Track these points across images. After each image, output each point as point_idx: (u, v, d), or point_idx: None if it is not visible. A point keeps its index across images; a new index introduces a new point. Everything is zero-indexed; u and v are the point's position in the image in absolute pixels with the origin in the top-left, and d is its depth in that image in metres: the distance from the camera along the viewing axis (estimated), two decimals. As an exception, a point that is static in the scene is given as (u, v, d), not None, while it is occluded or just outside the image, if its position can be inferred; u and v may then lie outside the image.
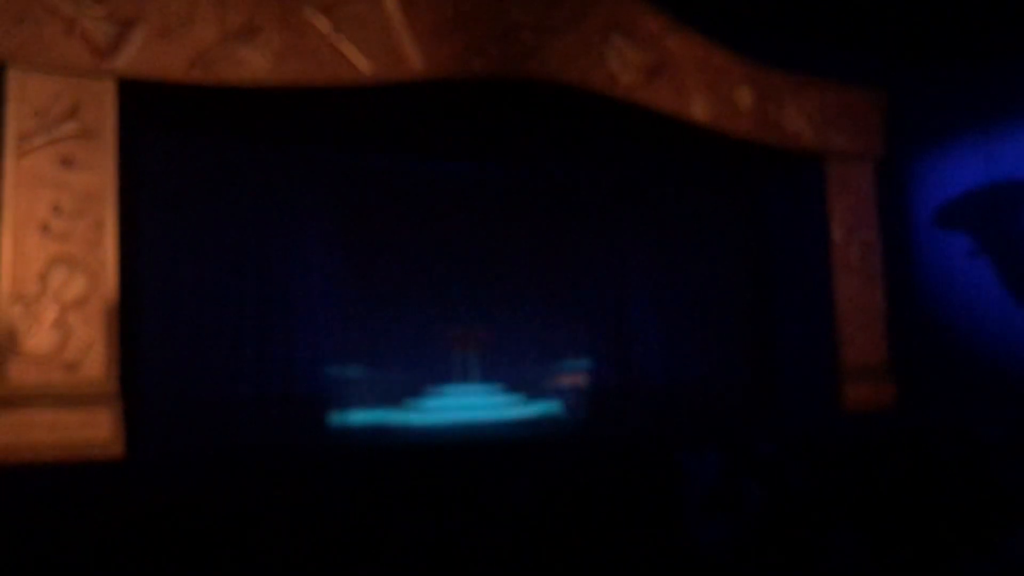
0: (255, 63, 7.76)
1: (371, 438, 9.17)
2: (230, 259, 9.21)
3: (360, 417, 9.93)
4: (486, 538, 3.68)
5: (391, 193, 10.60)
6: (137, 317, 7.68)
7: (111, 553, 3.70)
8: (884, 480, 4.66)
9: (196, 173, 8.75)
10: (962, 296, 10.60)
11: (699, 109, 9.80)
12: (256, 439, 8.52)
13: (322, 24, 7.98)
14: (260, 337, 9.41)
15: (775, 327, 11.15)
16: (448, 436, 9.05)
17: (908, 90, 11.14)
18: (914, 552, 3.31)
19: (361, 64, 8.11)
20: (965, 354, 10.44)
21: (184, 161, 8.59)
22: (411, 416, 10.19)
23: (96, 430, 7.07)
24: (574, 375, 10.93)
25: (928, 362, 10.66)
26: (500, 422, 10.15)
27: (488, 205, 11.15)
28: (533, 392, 11.04)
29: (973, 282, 10.49)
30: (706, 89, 9.86)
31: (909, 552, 3.30)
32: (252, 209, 9.42)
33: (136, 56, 7.37)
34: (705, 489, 3.81)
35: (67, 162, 7.16)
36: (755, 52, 10.26)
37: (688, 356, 11.27)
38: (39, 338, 6.97)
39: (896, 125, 11.12)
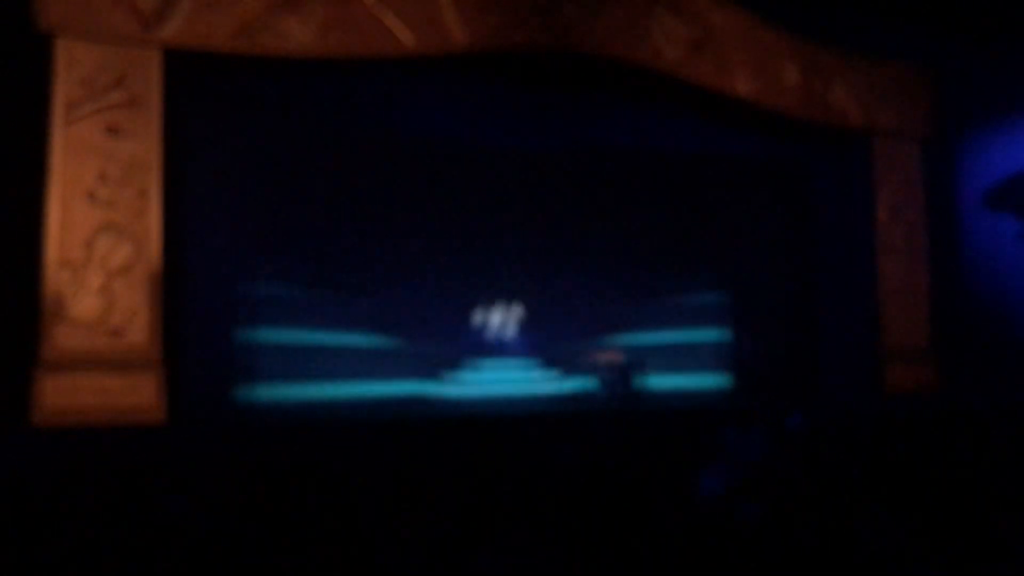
0: (299, 34, 7.76)
1: (403, 410, 9.25)
2: (272, 228, 9.28)
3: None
4: (522, 510, 3.70)
5: (431, 165, 10.58)
6: (180, 285, 7.75)
7: (150, 516, 3.76)
8: (924, 461, 4.61)
9: (240, 143, 8.80)
10: (1009, 279, 10.40)
11: (743, 85, 9.67)
12: None
13: (366, -4, 7.96)
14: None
15: (818, 307, 11.02)
16: (484, 408, 9.10)
17: (958, 67, 10.90)
18: (954, 533, 3.28)
19: (404, 37, 8.09)
20: (1011, 337, 10.26)
21: (228, 131, 8.63)
22: (447, 388, 10.26)
23: (139, 395, 7.18)
24: (610, 352, 10.90)
25: (973, 345, 10.50)
26: (535, 397, 10.19)
27: (532, 178, 11.09)
28: (568, 368, 11.02)
29: (1021, 264, 10.28)
30: (751, 65, 9.72)
31: (949, 533, 3.26)
32: (295, 179, 9.47)
33: (182, 26, 7.41)
34: (747, 466, 3.80)
35: (113, 131, 7.23)
36: (802, 28, 10.09)
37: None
38: (85, 304, 7.07)
39: (945, 103, 10.89)
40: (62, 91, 7.09)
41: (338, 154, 9.82)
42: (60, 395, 6.91)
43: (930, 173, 10.91)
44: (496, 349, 11.05)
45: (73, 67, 7.13)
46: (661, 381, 10.41)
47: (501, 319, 11.16)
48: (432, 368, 10.52)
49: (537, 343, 11.20)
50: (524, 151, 10.71)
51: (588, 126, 10.35)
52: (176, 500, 3.91)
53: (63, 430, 6.73)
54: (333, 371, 9.68)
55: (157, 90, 7.41)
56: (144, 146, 7.33)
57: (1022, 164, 10.43)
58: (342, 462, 5.47)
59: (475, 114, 9.91)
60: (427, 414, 9.04)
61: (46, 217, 7.01)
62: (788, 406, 7.85)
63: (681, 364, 10.99)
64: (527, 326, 11.23)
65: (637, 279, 11.46)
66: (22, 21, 6.97)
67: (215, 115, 8.47)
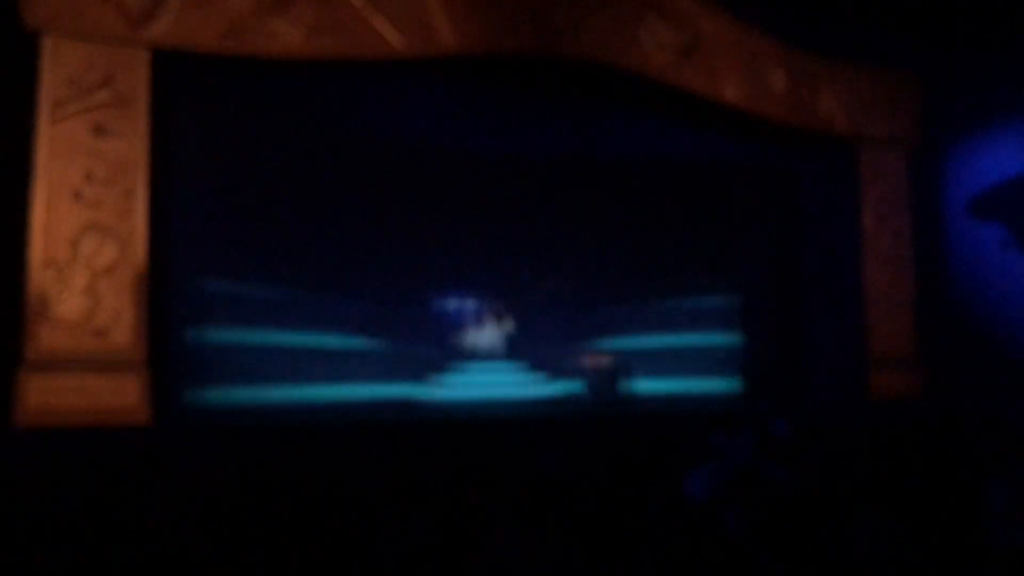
0: (288, 36, 7.75)
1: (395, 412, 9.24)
2: (259, 229, 9.25)
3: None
4: (509, 513, 3.69)
5: (420, 167, 10.57)
6: (166, 285, 7.72)
7: (134, 517, 3.74)
8: (908, 467, 4.64)
9: (228, 143, 8.77)
10: (995, 286, 10.44)
11: (731, 91, 9.70)
12: None
13: (356, -2, 7.96)
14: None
15: (804, 312, 11.06)
16: (470, 411, 9.09)
17: (945, 75, 10.94)
18: (938, 537, 3.29)
19: (393, 39, 8.08)
20: (997, 345, 10.30)
21: (216, 131, 8.61)
22: (434, 391, 10.25)
23: (123, 396, 7.14)
24: (597, 355, 10.91)
25: (958, 352, 10.54)
26: (522, 400, 10.20)
27: (519, 183, 11.09)
28: (555, 371, 11.03)
29: (1006, 272, 10.33)
30: (739, 71, 9.75)
31: (932, 538, 3.28)
32: (283, 180, 9.44)
33: (170, 25, 7.38)
34: (733, 471, 3.80)
35: (100, 130, 7.19)
36: (790, 34, 10.12)
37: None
38: (70, 304, 7.03)
39: (932, 111, 10.94)
40: (48, 89, 7.05)
41: (326, 155, 9.80)
42: (44, 395, 6.86)
43: (917, 180, 10.94)
44: (483, 352, 11.04)
45: (60, 65, 7.08)
46: (652, 385, 10.45)
47: (489, 322, 11.16)
48: (419, 371, 10.51)
49: (524, 346, 11.20)
50: (512, 155, 10.72)
51: (576, 131, 10.37)
52: (159, 501, 3.90)
53: (46, 431, 6.69)
54: (320, 373, 9.65)
55: (144, 89, 7.37)
56: (131, 146, 7.30)
57: (1008, 172, 10.49)
58: (327, 465, 5.45)
59: (463, 118, 9.92)
60: (413, 417, 9.03)
61: (31, 216, 6.97)
62: (774, 411, 7.88)
63: (671, 368, 11.02)
64: (515, 329, 11.22)
65: (624, 283, 11.47)
66: (9, 18, 6.93)
67: (203, 115, 8.44)
